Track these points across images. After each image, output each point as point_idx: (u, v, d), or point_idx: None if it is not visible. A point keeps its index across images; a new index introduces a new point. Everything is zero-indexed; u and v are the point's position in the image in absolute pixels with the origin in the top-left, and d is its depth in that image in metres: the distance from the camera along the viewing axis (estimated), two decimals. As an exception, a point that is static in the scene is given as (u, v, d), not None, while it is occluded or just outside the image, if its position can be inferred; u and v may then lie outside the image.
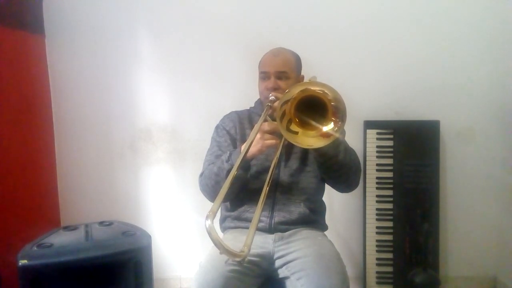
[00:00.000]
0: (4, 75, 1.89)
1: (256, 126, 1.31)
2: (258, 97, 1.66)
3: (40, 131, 2.17)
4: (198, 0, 2.21)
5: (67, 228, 1.79)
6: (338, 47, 2.22)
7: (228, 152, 1.41)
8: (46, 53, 2.20)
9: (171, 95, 2.26)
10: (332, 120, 1.24)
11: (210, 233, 0.99)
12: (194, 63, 2.24)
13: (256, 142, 1.32)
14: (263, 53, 1.59)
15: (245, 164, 1.37)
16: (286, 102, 1.24)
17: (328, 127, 1.24)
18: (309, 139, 1.27)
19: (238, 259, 1.05)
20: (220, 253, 1.01)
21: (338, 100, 1.20)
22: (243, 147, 1.33)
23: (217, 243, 0.99)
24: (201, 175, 1.52)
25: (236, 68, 2.22)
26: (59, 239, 1.64)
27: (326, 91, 1.21)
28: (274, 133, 1.33)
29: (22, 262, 1.46)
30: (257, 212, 1.20)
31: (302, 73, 1.61)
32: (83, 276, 1.53)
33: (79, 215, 2.22)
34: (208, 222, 0.99)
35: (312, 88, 1.22)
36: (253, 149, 1.32)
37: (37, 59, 2.16)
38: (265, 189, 1.29)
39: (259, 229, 1.44)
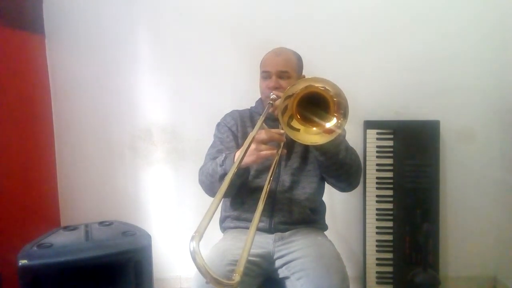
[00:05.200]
0: (4, 75, 1.89)
1: (251, 134, 1.23)
2: (258, 97, 1.66)
3: (40, 131, 2.17)
4: (198, 0, 2.21)
5: (67, 228, 1.79)
6: (338, 47, 2.22)
7: (224, 155, 1.37)
8: (46, 53, 2.20)
9: (171, 95, 2.26)
10: (334, 116, 1.23)
11: (195, 258, 0.82)
12: (194, 63, 2.24)
13: (251, 152, 1.25)
14: (263, 53, 1.59)
15: (239, 172, 1.32)
16: (289, 96, 1.25)
17: (331, 123, 1.24)
18: (312, 136, 1.26)
19: None
20: (206, 282, 0.85)
21: (340, 95, 1.20)
22: (237, 155, 1.28)
23: (203, 271, 0.82)
24: (201, 168, 1.51)
25: (236, 68, 2.22)
26: (59, 239, 1.64)
27: (328, 87, 1.21)
28: (270, 142, 1.29)
29: (22, 262, 1.46)
30: (256, 217, 1.12)
31: (303, 73, 1.61)
32: (83, 276, 1.53)
33: (79, 215, 2.22)
34: (193, 244, 0.82)
35: (315, 85, 1.22)
36: (247, 160, 1.26)
37: (37, 59, 2.16)
38: (265, 189, 1.28)
39: (259, 229, 1.44)
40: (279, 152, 1.34)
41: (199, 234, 0.85)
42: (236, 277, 0.91)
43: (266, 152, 1.26)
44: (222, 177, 1.33)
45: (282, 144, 1.36)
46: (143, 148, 2.29)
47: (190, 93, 2.26)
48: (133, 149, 2.29)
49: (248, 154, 1.24)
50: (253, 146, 1.24)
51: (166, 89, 2.26)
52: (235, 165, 1.13)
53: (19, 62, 2.01)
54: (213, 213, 0.91)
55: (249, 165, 1.30)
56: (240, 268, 0.94)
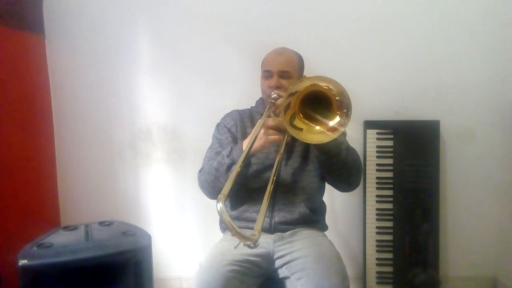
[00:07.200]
0: (4, 75, 1.89)
1: (260, 121, 1.31)
2: (258, 97, 1.67)
3: (40, 131, 2.17)
4: (198, 1, 2.21)
5: (67, 228, 1.78)
6: (338, 47, 2.22)
7: (229, 147, 1.41)
8: (46, 53, 2.20)
9: (171, 95, 2.26)
10: (337, 114, 1.24)
11: (222, 215, 1.00)
12: (194, 62, 2.24)
13: (260, 137, 1.31)
14: (264, 53, 1.59)
15: (247, 160, 1.36)
16: (292, 94, 1.25)
17: (334, 122, 1.25)
18: (315, 135, 1.27)
19: (249, 243, 1.04)
20: (232, 235, 1.01)
21: (343, 94, 1.21)
22: (246, 143, 1.33)
23: (229, 225, 1.00)
24: (200, 170, 1.51)
25: (236, 67, 2.22)
26: (59, 239, 1.64)
27: (331, 86, 1.21)
28: (277, 129, 1.33)
29: (22, 262, 1.45)
30: (264, 204, 1.20)
31: (304, 73, 1.61)
32: (83, 276, 1.52)
33: (79, 215, 2.22)
34: (220, 205, 1.01)
35: (320, 84, 1.23)
36: (256, 145, 1.31)
37: (37, 59, 2.16)
38: (270, 185, 1.30)
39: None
40: (285, 138, 1.37)
41: (224, 196, 1.04)
42: (256, 234, 1.07)
43: (274, 136, 1.32)
44: (230, 167, 1.35)
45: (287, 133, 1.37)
46: (143, 148, 2.29)
47: (190, 93, 2.26)
48: (133, 149, 2.29)
49: (257, 139, 1.30)
50: (261, 131, 1.31)
51: (166, 89, 2.26)
52: (246, 151, 1.22)
53: (19, 62, 2.00)
54: (232, 182, 1.10)
55: (257, 150, 1.35)
56: (258, 227, 1.11)
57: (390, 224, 2.19)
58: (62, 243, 1.59)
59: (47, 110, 2.22)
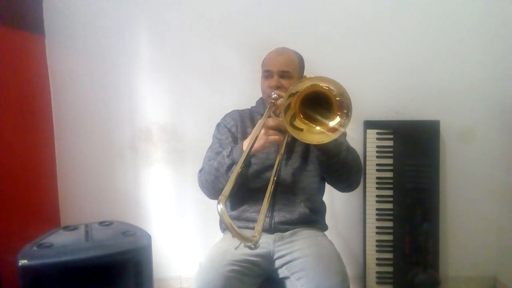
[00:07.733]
0: (4, 75, 1.89)
1: (260, 122, 1.30)
2: (258, 97, 1.66)
3: (40, 131, 2.17)
4: (198, 0, 2.21)
5: (67, 228, 1.78)
6: (339, 47, 2.22)
7: (229, 148, 1.41)
8: (46, 53, 2.20)
9: (171, 95, 2.27)
10: (337, 115, 1.24)
11: (222, 216, 1.00)
12: (194, 62, 2.24)
13: (260, 137, 1.31)
14: (264, 53, 1.59)
15: (247, 160, 1.36)
16: (292, 94, 1.25)
17: (334, 122, 1.25)
18: (316, 136, 1.27)
19: (249, 244, 1.04)
20: (233, 236, 1.01)
21: (344, 95, 1.21)
22: (246, 143, 1.33)
23: (230, 227, 1.00)
24: (200, 170, 1.51)
25: (237, 67, 2.22)
26: (59, 239, 1.64)
27: (332, 87, 1.22)
28: (278, 129, 1.33)
29: (22, 262, 1.45)
30: (265, 205, 1.21)
31: (304, 73, 1.61)
32: (83, 276, 1.52)
33: (79, 215, 2.22)
34: (220, 206, 1.01)
35: (320, 84, 1.23)
36: (257, 145, 1.31)
37: (37, 59, 2.16)
38: (271, 185, 1.30)
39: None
40: (285, 138, 1.37)
41: (224, 197, 1.03)
42: (257, 235, 1.08)
43: (274, 136, 1.32)
44: (230, 167, 1.35)
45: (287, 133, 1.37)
46: (143, 148, 2.29)
47: (190, 93, 2.26)
48: (133, 149, 2.29)
49: (257, 139, 1.30)
50: (262, 131, 1.30)
51: (166, 89, 2.26)
52: (246, 151, 1.22)
53: (19, 62, 2.01)
54: (233, 182, 1.11)
55: (258, 150, 1.35)
56: (259, 228, 1.12)
57: (390, 224, 2.19)
58: (62, 243, 1.59)
59: (47, 110, 2.22)
